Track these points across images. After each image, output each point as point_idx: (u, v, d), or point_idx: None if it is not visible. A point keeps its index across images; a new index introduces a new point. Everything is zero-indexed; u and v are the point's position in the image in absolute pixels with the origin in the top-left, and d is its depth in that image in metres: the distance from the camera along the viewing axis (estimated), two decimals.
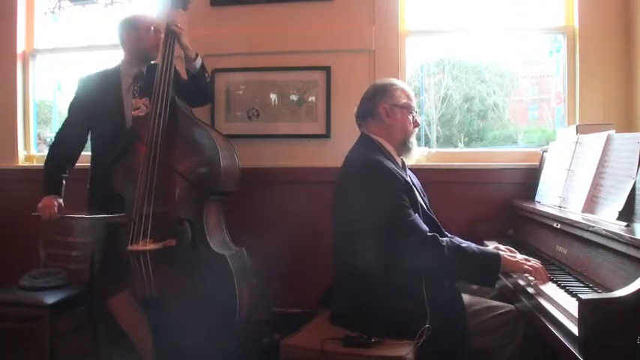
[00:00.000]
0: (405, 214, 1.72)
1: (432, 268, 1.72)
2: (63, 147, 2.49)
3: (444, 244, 1.69)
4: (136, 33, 2.44)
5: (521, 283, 1.75)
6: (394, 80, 2.06)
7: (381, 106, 1.93)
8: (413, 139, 1.98)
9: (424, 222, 1.78)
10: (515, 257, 1.78)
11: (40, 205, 2.41)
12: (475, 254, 1.73)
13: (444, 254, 1.67)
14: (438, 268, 1.73)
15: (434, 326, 1.65)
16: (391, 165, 1.83)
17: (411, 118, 1.96)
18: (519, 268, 1.74)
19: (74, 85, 2.54)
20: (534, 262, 1.75)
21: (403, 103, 1.95)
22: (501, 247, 1.94)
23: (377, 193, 1.75)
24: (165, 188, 2.22)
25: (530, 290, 1.68)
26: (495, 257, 1.73)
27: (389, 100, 1.94)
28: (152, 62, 2.49)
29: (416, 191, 1.87)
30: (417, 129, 2.00)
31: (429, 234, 1.71)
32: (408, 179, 1.87)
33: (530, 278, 1.71)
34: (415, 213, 1.76)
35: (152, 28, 2.44)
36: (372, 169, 1.80)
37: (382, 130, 1.94)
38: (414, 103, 1.99)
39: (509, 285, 1.83)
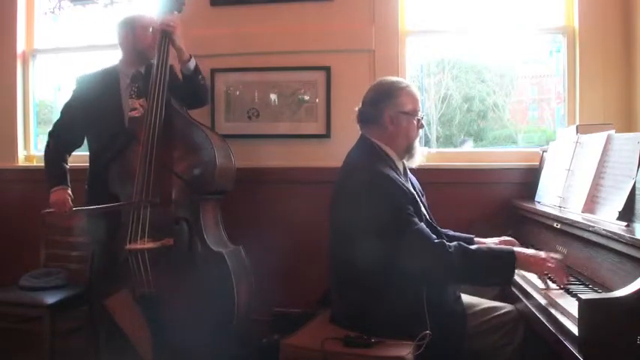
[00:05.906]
0: (411, 222, 1.69)
1: (442, 275, 1.71)
2: (63, 136, 2.48)
3: (451, 249, 1.65)
4: (133, 33, 2.43)
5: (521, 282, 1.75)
6: (399, 80, 1.95)
7: (385, 114, 1.85)
8: (416, 144, 1.93)
9: None
10: (527, 252, 1.69)
11: (52, 199, 2.37)
12: (486, 256, 1.69)
13: (452, 260, 1.64)
14: (448, 275, 1.71)
15: (434, 328, 1.65)
16: (395, 175, 1.79)
17: (415, 122, 1.90)
18: (537, 269, 1.65)
19: (72, 83, 2.53)
20: (553, 261, 1.64)
21: (409, 109, 1.87)
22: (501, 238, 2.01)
23: (383, 207, 1.71)
24: (162, 188, 2.23)
25: (531, 291, 1.68)
26: (509, 255, 1.66)
27: (394, 107, 1.85)
28: (151, 62, 2.49)
29: (419, 201, 1.84)
30: (421, 130, 1.95)
31: (436, 241, 1.68)
32: (411, 187, 1.84)
33: (551, 285, 1.63)
34: (421, 222, 1.73)
35: (150, 28, 2.43)
36: (378, 182, 1.74)
37: (385, 136, 1.87)
38: (420, 104, 1.92)
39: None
